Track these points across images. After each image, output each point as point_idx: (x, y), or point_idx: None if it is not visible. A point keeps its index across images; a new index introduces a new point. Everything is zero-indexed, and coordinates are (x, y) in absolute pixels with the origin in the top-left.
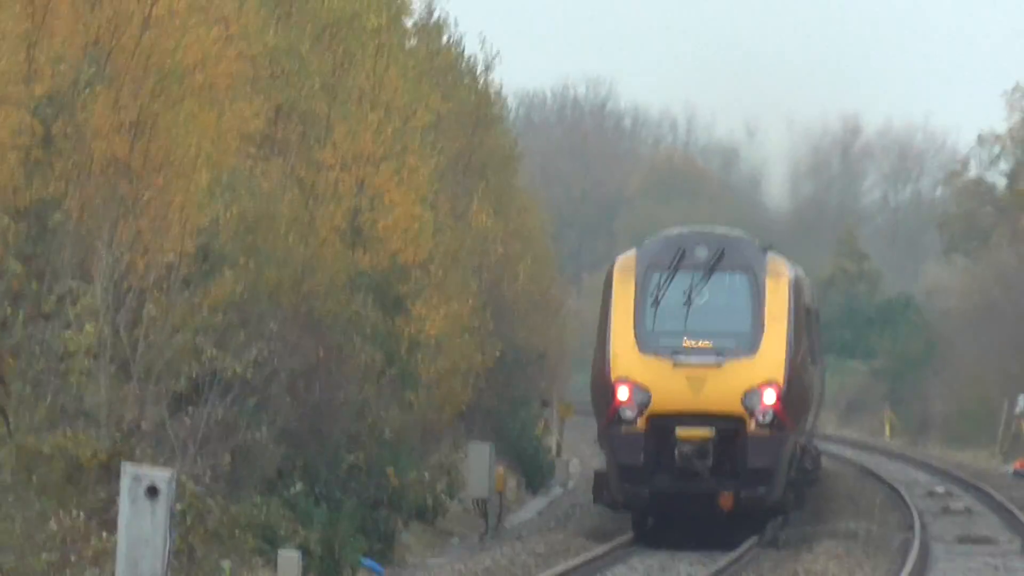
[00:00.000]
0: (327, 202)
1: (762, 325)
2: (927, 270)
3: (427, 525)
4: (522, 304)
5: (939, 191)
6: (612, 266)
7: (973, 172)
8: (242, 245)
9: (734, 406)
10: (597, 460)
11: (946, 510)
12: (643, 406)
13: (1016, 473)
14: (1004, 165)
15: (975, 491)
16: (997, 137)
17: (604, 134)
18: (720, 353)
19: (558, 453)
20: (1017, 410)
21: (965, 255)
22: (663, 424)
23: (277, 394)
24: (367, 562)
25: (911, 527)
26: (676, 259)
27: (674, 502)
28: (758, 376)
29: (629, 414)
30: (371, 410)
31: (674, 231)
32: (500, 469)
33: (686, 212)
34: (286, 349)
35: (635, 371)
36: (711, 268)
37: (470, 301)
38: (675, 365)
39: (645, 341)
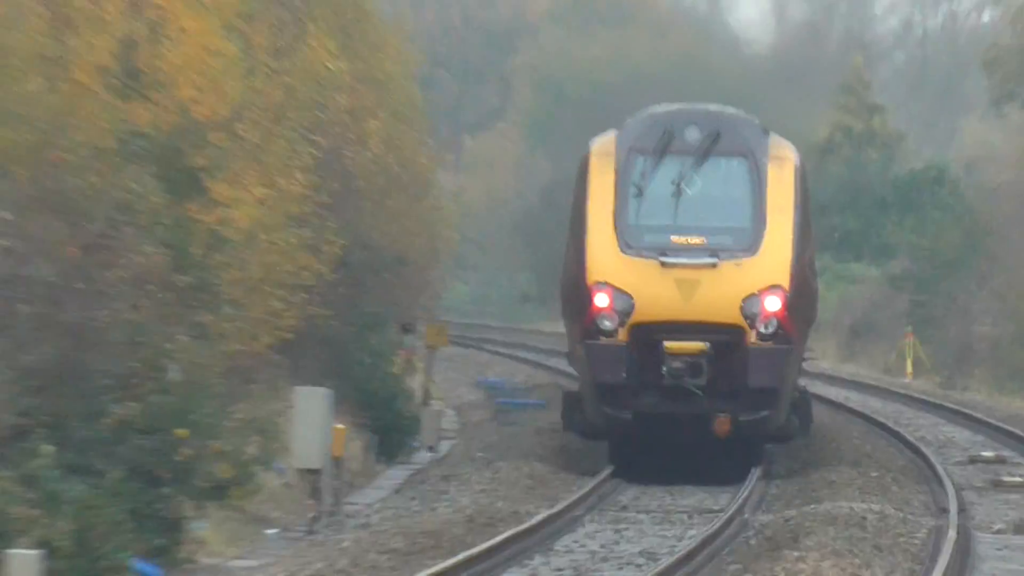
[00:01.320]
0: (86, 30)
1: (764, 219)
2: (967, 129)
3: (231, 509)
4: (376, 182)
5: (986, 15)
6: (587, 151)
7: None
8: None
9: (732, 314)
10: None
11: (997, 484)
12: (625, 314)
13: None
14: None
15: None
16: None
17: None
18: (715, 252)
19: (426, 401)
20: None
21: (1023, 106)
22: (649, 335)
23: (8, 312)
24: (140, 565)
25: (944, 509)
26: (664, 142)
27: (661, 426)
28: (760, 279)
29: (608, 324)
30: (150, 338)
31: (661, 108)
32: (340, 426)
33: (616, 46)
34: (23, 244)
35: (616, 274)
36: (705, 152)
37: (298, 177)
38: (663, 266)
39: (627, 238)
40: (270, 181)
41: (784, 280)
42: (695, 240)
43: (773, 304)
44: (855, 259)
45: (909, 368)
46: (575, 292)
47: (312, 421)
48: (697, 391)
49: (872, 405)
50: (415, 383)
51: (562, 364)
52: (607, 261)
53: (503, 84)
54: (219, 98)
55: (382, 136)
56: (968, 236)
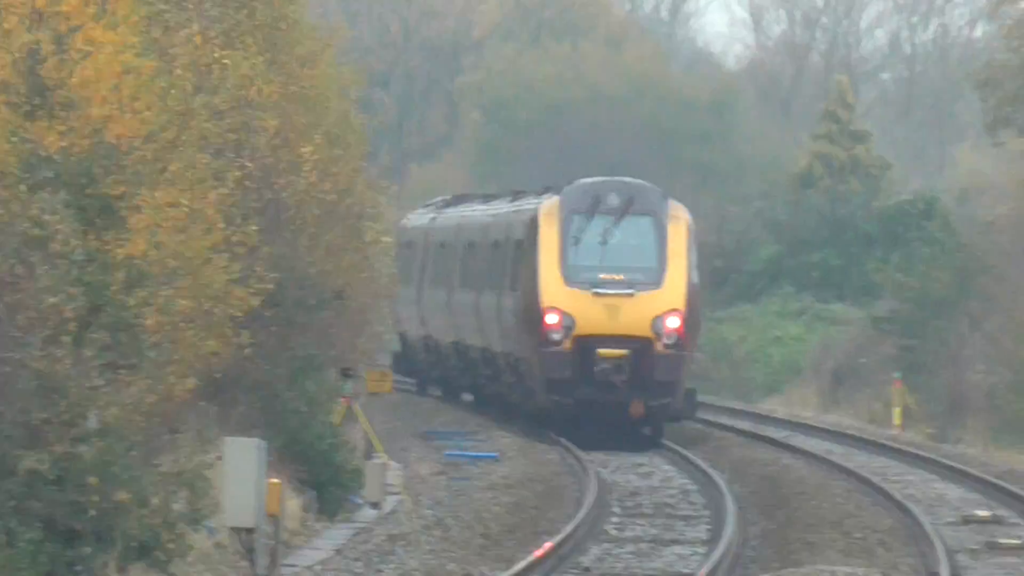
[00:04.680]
0: None
1: (665, 261)
2: (960, 156)
3: (157, 572)
4: (309, 211)
5: (979, 29)
6: (537, 212)
7: None
8: None
9: (644, 330)
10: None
11: (992, 547)
12: (569, 329)
13: None
14: None
15: None
16: None
17: None
18: (632, 285)
19: (368, 454)
20: None
21: (1021, 132)
22: (586, 345)
23: None
24: None
25: (935, 574)
26: (593, 205)
27: (594, 409)
28: (663, 304)
29: (557, 336)
30: (65, 383)
31: (589, 181)
32: (275, 480)
33: (568, 63)
34: None
35: (562, 300)
36: (622, 213)
37: (224, 204)
38: (595, 295)
39: (569, 275)
40: (192, 209)
41: (681, 305)
42: (617, 276)
43: (673, 322)
44: (837, 299)
45: (897, 418)
46: (531, 314)
47: (244, 475)
48: (620, 384)
49: (857, 459)
50: (356, 434)
51: (516, 418)
52: (555, 291)
53: (449, 106)
54: (136, 116)
55: (317, 161)
56: (960, 274)
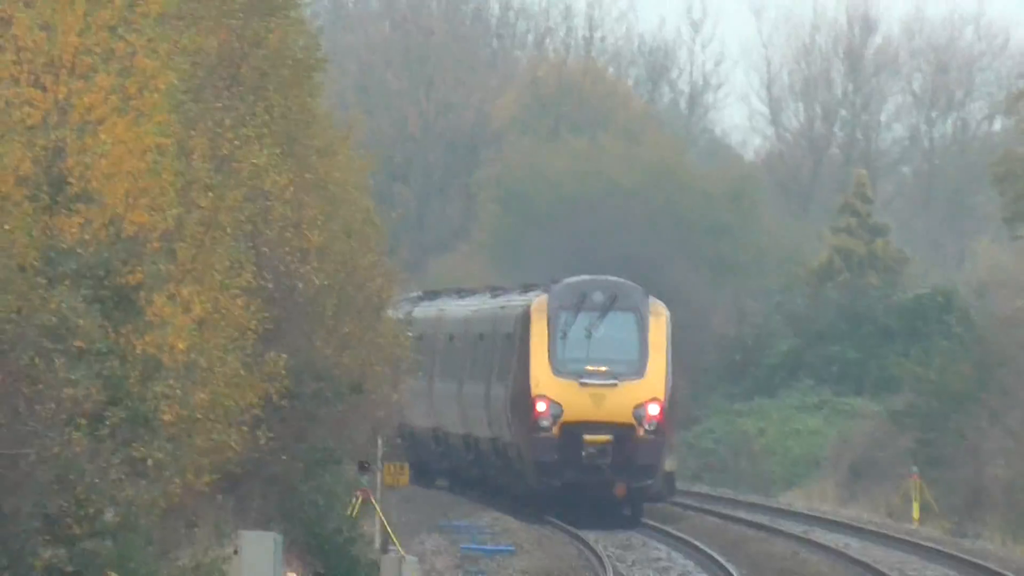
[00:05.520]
0: (7, 136)
1: (647, 354)
2: (978, 251)
3: None
4: (326, 304)
5: (998, 122)
6: (528, 308)
7: None
8: None
9: (627, 417)
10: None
11: None
12: (557, 416)
13: None
14: None
15: None
16: None
17: (458, 28)
18: (615, 376)
19: (384, 547)
20: None
21: None
22: (572, 430)
23: None
24: None
25: None
26: (579, 302)
27: (581, 490)
28: (645, 394)
29: (546, 423)
30: (82, 475)
31: (575, 279)
32: (292, 574)
33: (586, 156)
34: None
35: (550, 389)
36: (606, 309)
37: (241, 300)
38: (581, 385)
39: (557, 366)
40: (210, 301)
41: (661, 394)
42: (602, 368)
43: (654, 410)
44: (855, 393)
45: (915, 512)
46: (522, 401)
47: (260, 569)
48: (604, 467)
49: (875, 554)
50: (373, 527)
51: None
52: (544, 381)
53: (466, 199)
54: (155, 209)
55: (334, 254)
56: (979, 368)
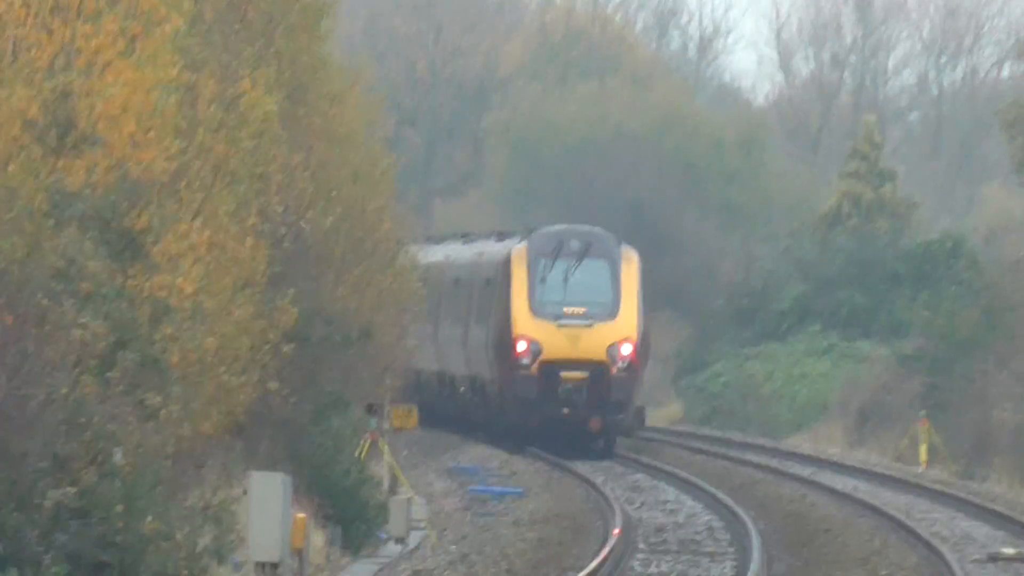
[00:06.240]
0: (13, 78)
1: (619, 298)
2: (987, 197)
3: None
4: (335, 248)
5: (1007, 69)
6: (509, 255)
7: None
8: None
9: (601, 356)
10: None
11: None
12: (536, 355)
13: None
14: None
15: None
16: None
17: None
18: (590, 317)
19: (393, 489)
20: None
21: None
22: (550, 369)
23: None
24: None
25: None
26: (557, 249)
27: (558, 425)
28: (618, 334)
29: (526, 361)
30: (91, 417)
31: (553, 228)
32: (300, 514)
33: (594, 101)
34: None
35: (530, 330)
36: (582, 256)
37: (250, 242)
38: (558, 326)
39: (537, 309)
40: (217, 243)
41: (633, 335)
42: (578, 310)
43: (626, 349)
44: (863, 337)
45: (923, 456)
46: (503, 341)
47: (270, 510)
48: (580, 402)
49: (883, 496)
50: (382, 469)
51: (536, 447)
52: (524, 322)
53: (475, 145)
54: (161, 152)
55: (343, 197)
56: (987, 313)
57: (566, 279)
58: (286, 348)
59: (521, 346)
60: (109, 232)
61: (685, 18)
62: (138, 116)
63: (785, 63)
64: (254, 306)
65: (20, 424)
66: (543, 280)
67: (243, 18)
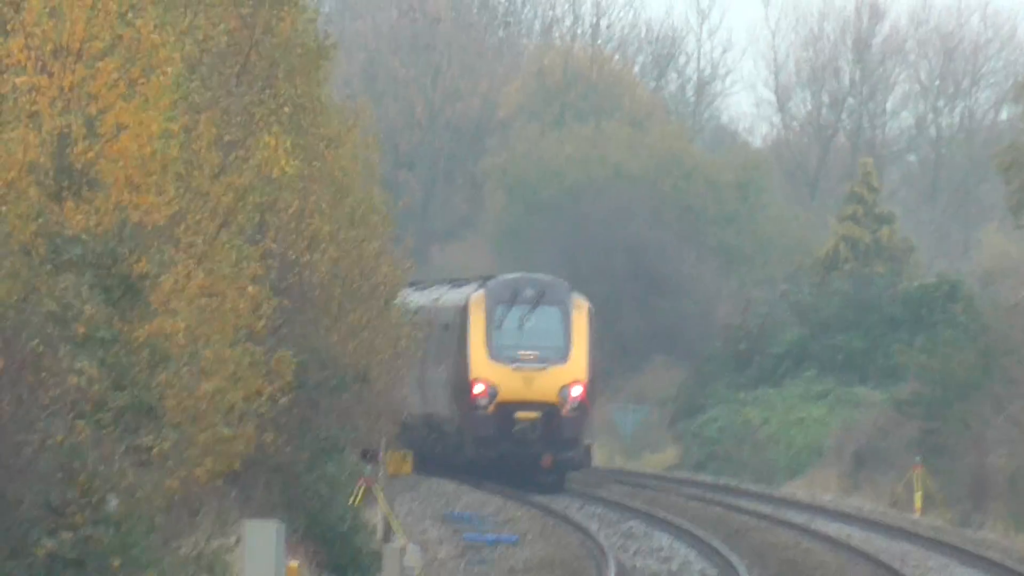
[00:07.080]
0: (16, 123)
1: (571, 342)
2: (984, 240)
3: None
4: (332, 293)
5: (1005, 112)
6: (467, 302)
7: None
8: None
9: (553, 397)
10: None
11: None
12: (493, 397)
13: None
14: None
15: None
16: None
17: (465, 15)
18: (543, 361)
19: (387, 536)
20: None
21: None
22: (506, 409)
23: None
24: None
25: None
26: (512, 296)
27: (512, 461)
28: (569, 376)
29: (483, 402)
30: (86, 464)
31: (509, 276)
32: (294, 563)
33: (592, 143)
34: None
35: (487, 373)
36: (536, 303)
37: (249, 289)
38: (514, 369)
39: (493, 352)
40: (217, 291)
41: (583, 377)
42: (532, 354)
43: (577, 391)
44: (860, 382)
45: (918, 502)
46: (462, 384)
47: (263, 558)
48: (533, 440)
49: (877, 544)
50: (375, 516)
51: (535, 494)
52: (482, 365)
53: (472, 187)
54: (161, 197)
55: (339, 242)
56: (983, 357)
57: (521, 325)
58: (283, 399)
59: (479, 388)
60: (108, 277)
61: (683, 60)
62: (138, 160)
63: (783, 105)
64: (252, 356)
65: (15, 470)
66: (499, 326)
67: (245, 63)
